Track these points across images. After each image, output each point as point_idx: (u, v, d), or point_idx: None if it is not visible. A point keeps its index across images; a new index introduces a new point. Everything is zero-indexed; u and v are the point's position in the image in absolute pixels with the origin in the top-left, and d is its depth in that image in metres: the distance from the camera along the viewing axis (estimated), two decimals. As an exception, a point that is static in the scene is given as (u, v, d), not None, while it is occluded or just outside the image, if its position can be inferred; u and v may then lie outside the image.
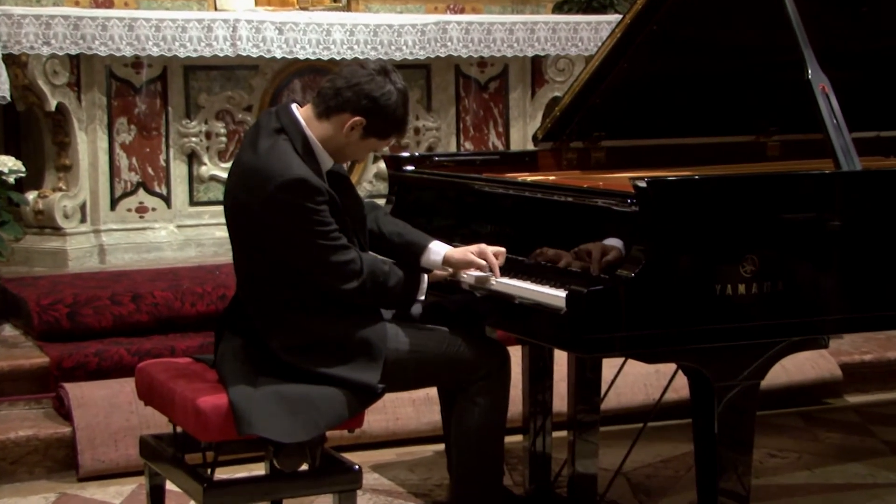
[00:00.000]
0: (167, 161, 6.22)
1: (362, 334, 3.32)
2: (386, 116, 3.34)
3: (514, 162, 4.29)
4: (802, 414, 5.22)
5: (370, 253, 3.43)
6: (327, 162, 3.38)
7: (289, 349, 3.28)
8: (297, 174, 3.23)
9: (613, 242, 3.18)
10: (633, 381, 4.98)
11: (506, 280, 3.39)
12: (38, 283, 5.33)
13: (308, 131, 3.34)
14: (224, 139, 6.32)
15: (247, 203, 3.27)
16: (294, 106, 3.39)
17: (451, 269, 3.50)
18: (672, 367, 3.52)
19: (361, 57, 6.27)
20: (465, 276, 3.50)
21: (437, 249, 3.50)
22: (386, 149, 6.31)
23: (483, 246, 3.47)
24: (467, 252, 3.47)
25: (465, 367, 3.41)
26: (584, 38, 6.69)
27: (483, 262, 3.45)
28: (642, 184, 3.07)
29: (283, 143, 3.30)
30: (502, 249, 3.47)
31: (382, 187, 6.44)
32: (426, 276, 3.44)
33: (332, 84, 3.35)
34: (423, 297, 3.44)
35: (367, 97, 3.31)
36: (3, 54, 5.44)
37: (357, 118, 3.33)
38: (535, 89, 6.89)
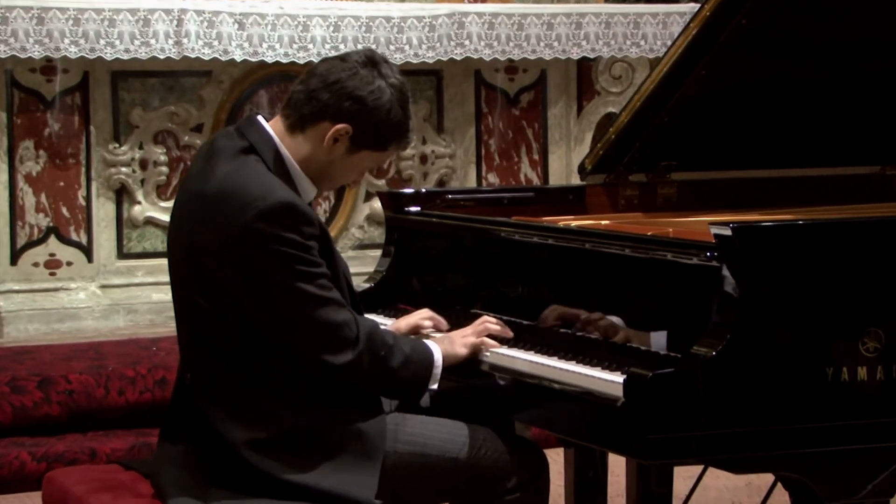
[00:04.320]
0: (88, 199, 6.25)
1: (353, 429, 3.31)
2: (378, 120, 3.36)
3: (555, 201, 4.31)
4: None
5: (369, 318, 3.43)
6: (309, 191, 3.40)
7: (253, 445, 3.27)
8: (282, 198, 3.24)
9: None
10: (716, 496, 4.97)
11: (543, 360, 3.39)
12: (-86, 362, 5.35)
13: (283, 149, 3.37)
14: (165, 169, 6.35)
15: (209, 243, 3.25)
16: (261, 118, 3.42)
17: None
18: (768, 479, 3.50)
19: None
20: (486, 354, 3.52)
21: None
22: (382, 183, 6.35)
23: (484, 318, 3.53)
24: (466, 338, 3.50)
25: (489, 475, 3.41)
26: (649, 34, 6.74)
27: (492, 342, 3.49)
28: (726, 231, 3.08)
29: (256, 163, 3.33)
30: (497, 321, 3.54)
31: (377, 234, 6.45)
32: (441, 355, 3.46)
33: (305, 86, 3.38)
34: (436, 386, 3.45)
35: (349, 97, 3.34)
36: None
37: (340, 126, 3.35)
38: (583, 103, 6.92)
